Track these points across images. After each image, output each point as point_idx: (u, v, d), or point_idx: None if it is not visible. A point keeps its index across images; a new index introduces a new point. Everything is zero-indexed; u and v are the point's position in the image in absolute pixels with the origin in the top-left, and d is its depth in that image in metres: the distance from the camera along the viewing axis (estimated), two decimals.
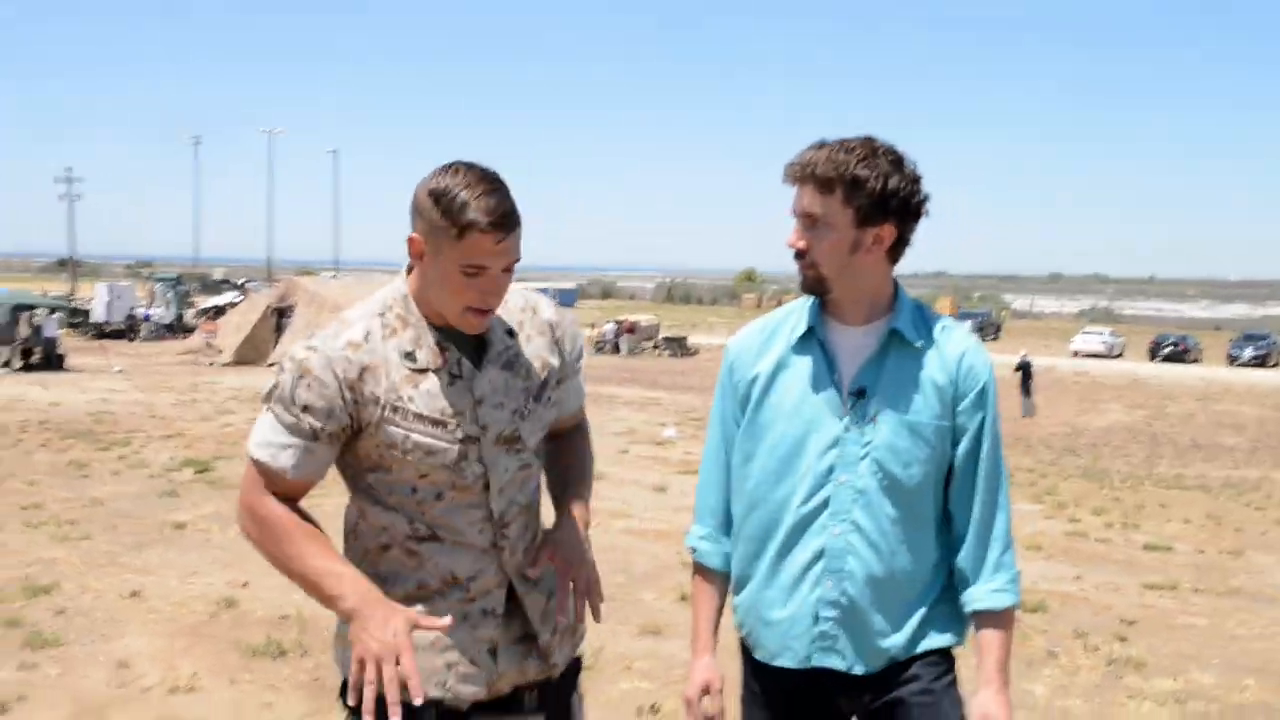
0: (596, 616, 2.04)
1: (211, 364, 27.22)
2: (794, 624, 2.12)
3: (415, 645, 1.90)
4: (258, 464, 1.92)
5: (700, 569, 2.25)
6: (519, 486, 2.05)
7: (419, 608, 1.95)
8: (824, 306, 2.16)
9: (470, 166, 1.92)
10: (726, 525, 2.24)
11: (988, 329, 61.21)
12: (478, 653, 2.00)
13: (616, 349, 38.71)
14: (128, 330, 35.81)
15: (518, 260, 1.94)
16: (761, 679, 2.19)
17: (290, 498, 1.95)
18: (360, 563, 1.99)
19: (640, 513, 9.25)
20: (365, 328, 1.96)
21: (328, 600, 1.85)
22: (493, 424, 2.00)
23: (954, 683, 2.13)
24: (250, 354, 27.59)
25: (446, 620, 1.88)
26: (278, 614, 5.48)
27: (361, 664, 1.76)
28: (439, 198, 1.87)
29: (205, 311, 42.05)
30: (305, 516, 1.93)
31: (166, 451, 11.92)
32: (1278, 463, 18.34)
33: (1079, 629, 6.09)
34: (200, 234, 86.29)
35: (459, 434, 1.96)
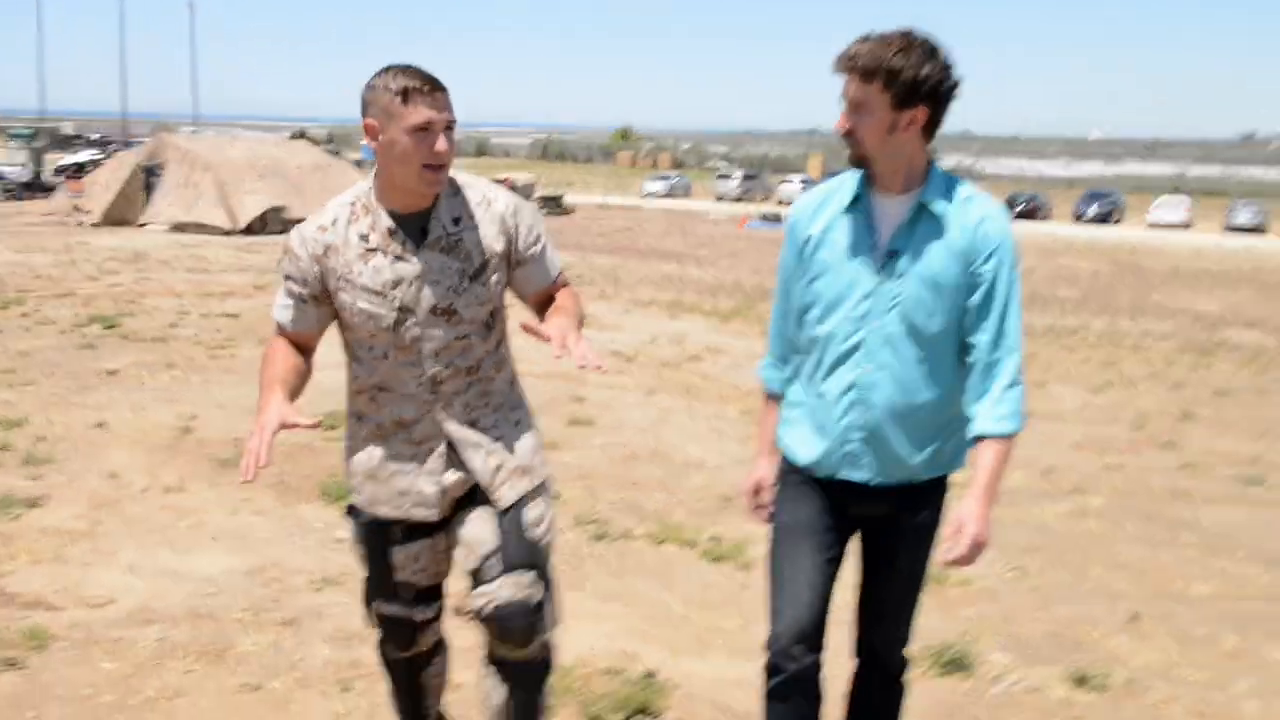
0: (584, 360, 2.22)
1: (80, 224, 26.79)
2: (829, 442, 2.45)
3: (376, 477, 2.48)
4: (275, 321, 2.50)
5: (767, 392, 2.66)
6: (459, 353, 2.45)
7: (380, 446, 2.48)
8: (870, 178, 2.42)
9: (398, 63, 2.34)
10: (786, 356, 2.60)
11: None
12: (426, 485, 2.48)
13: None
14: None
15: (454, 121, 2.33)
16: (796, 475, 2.55)
17: (301, 347, 2.46)
18: (349, 402, 2.54)
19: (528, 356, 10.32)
20: (334, 214, 2.43)
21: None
22: (426, 298, 2.39)
23: (941, 518, 2.50)
24: (121, 213, 27.19)
25: (311, 421, 2.19)
26: (231, 437, 6.44)
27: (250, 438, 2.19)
28: (384, 82, 2.29)
29: (64, 169, 40.61)
30: (300, 361, 2.42)
31: (65, 309, 12.31)
32: (1099, 311, 20.29)
33: None
34: (45, 85, 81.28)
35: (395, 304, 2.38)
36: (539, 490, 2.58)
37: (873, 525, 2.53)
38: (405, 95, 2.27)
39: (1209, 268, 32.13)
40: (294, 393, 2.36)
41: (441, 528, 2.58)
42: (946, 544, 2.33)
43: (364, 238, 2.40)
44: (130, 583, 4.16)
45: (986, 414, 2.34)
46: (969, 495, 2.32)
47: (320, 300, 2.44)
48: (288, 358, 2.42)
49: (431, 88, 2.29)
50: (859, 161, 2.39)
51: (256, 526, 4.90)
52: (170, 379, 8.39)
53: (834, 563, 2.52)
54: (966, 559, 2.31)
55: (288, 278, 2.45)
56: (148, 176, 27.76)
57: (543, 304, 2.56)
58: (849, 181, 2.44)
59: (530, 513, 2.53)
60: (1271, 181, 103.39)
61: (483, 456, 2.49)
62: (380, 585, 2.62)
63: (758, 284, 20.36)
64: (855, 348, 2.39)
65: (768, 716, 2.55)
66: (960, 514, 2.31)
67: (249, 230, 25.66)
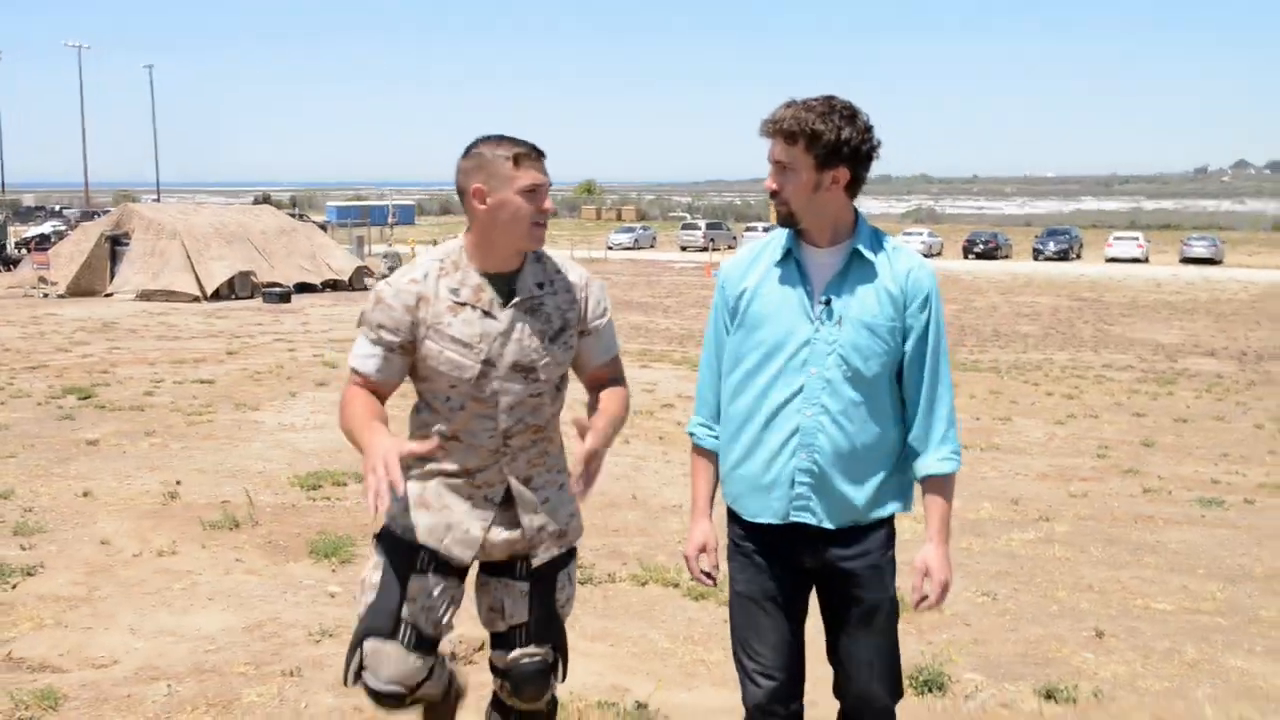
0: (584, 485, 2.47)
1: (46, 296, 26.73)
2: (775, 488, 2.50)
3: (428, 505, 2.56)
4: (353, 370, 2.55)
5: (698, 450, 2.66)
6: (530, 410, 2.57)
7: (437, 482, 2.57)
8: (799, 234, 2.52)
9: (497, 133, 2.54)
10: (719, 414, 2.62)
11: None
12: (473, 526, 2.56)
13: None
14: None
15: (551, 184, 2.52)
16: (746, 537, 2.59)
17: (379, 395, 2.55)
18: (412, 439, 2.58)
19: None
20: (425, 269, 2.54)
21: (360, 448, 2.38)
22: (509, 354, 2.52)
23: (894, 556, 2.56)
24: (87, 284, 27.16)
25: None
26: (218, 500, 6.55)
27: (371, 472, 2.26)
28: (491, 150, 2.47)
29: (28, 241, 40.50)
30: (381, 407, 2.51)
31: (40, 381, 12.34)
32: (1062, 346, 20.71)
33: None
34: (5, 157, 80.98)
35: (481, 356, 2.50)
36: (569, 557, 2.73)
37: (828, 576, 2.55)
38: (516, 160, 2.46)
39: (1167, 299, 32.76)
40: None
41: (461, 577, 2.65)
42: (916, 591, 2.48)
43: (454, 291, 2.53)
44: (132, 643, 4.27)
45: (931, 456, 2.50)
46: (928, 540, 2.47)
47: (406, 350, 2.54)
48: (371, 401, 2.52)
49: (538, 154, 2.50)
50: (787, 219, 2.50)
51: (250, 585, 5.02)
52: (150, 447, 8.47)
53: (796, 620, 2.60)
54: (936, 602, 2.48)
55: (379, 326, 2.53)
56: (113, 246, 27.77)
57: (595, 386, 2.70)
58: (779, 237, 2.55)
59: (561, 594, 2.70)
60: (1224, 213, 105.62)
61: (529, 516, 2.61)
62: (383, 615, 2.57)
63: None
64: (796, 394, 2.46)
65: None
66: (925, 560, 2.47)
67: (216, 296, 25.69)
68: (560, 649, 2.72)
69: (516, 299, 2.55)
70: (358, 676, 2.62)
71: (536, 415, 2.59)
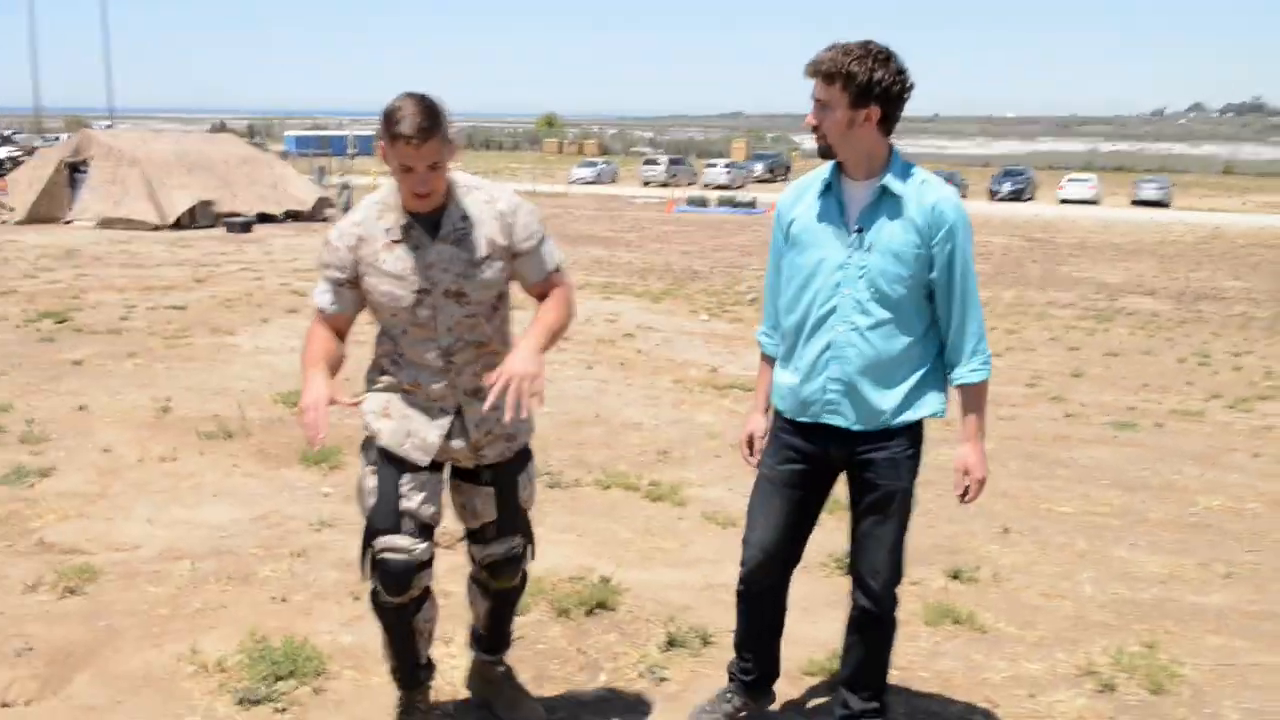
0: (516, 412, 2.61)
1: (4, 222, 26.59)
2: (810, 394, 2.87)
3: (389, 415, 2.85)
4: (316, 307, 2.88)
5: (763, 355, 3.09)
6: (468, 329, 2.82)
7: (396, 394, 2.87)
8: (840, 168, 2.83)
9: (412, 94, 2.60)
10: (777, 324, 3.01)
11: (778, 170, 63.92)
12: (430, 433, 2.86)
13: None
14: None
15: (440, 163, 2.64)
16: (783, 429, 2.98)
17: (338, 329, 2.87)
18: (374, 359, 2.94)
19: None
20: (365, 211, 2.83)
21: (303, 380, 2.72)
22: (440, 282, 2.78)
23: (916, 455, 2.88)
24: (46, 211, 27.01)
25: (355, 402, 2.75)
26: (210, 414, 7.01)
27: (302, 416, 2.64)
28: (386, 115, 2.59)
29: None
30: (336, 345, 2.83)
31: (12, 306, 12.53)
32: (1010, 284, 21.37)
33: None
34: None
35: (414, 287, 2.77)
36: (525, 460, 3.03)
37: (852, 466, 2.90)
38: (393, 139, 2.60)
39: (1115, 240, 33.56)
40: (333, 371, 2.78)
41: (439, 471, 2.93)
42: (957, 486, 2.89)
43: (388, 230, 2.80)
44: (152, 531, 4.78)
45: (963, 368, 2.84)
46: (964, 441, 2.87)
47: (354, 284, 2.84)
48: (326, 341, 2.84)
49: (420, 140, 2.58)
50: (826, 152, 2.80)
51: (250, 485, 5.53)
52: (134, 367, 8.84)
53: (804, 506, 2.99)
54: (974, 496, 2.90)
55: (327, 266, 2.85)
56: (72, 173, 27.62)
57: (540, 299, 2.92)
58: (823, 171, 2.86)
59: (523, 492, 3.03)
60: (1178, 156, 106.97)
61: (476, 421, 2.89)
62: (386, 514, 2.85)
63: (686, 266, 21.11)
64: (831, 312, 2.79)
65: (739, 620, 3.16)
66: (964, 459, 2.87)
67: (178, 225, 25.67)
68: (527, 536, 3.07)
69: (441, 233, 2.79)
70: (373, 568, 2.91)
71: (474, 333, 2.85)
